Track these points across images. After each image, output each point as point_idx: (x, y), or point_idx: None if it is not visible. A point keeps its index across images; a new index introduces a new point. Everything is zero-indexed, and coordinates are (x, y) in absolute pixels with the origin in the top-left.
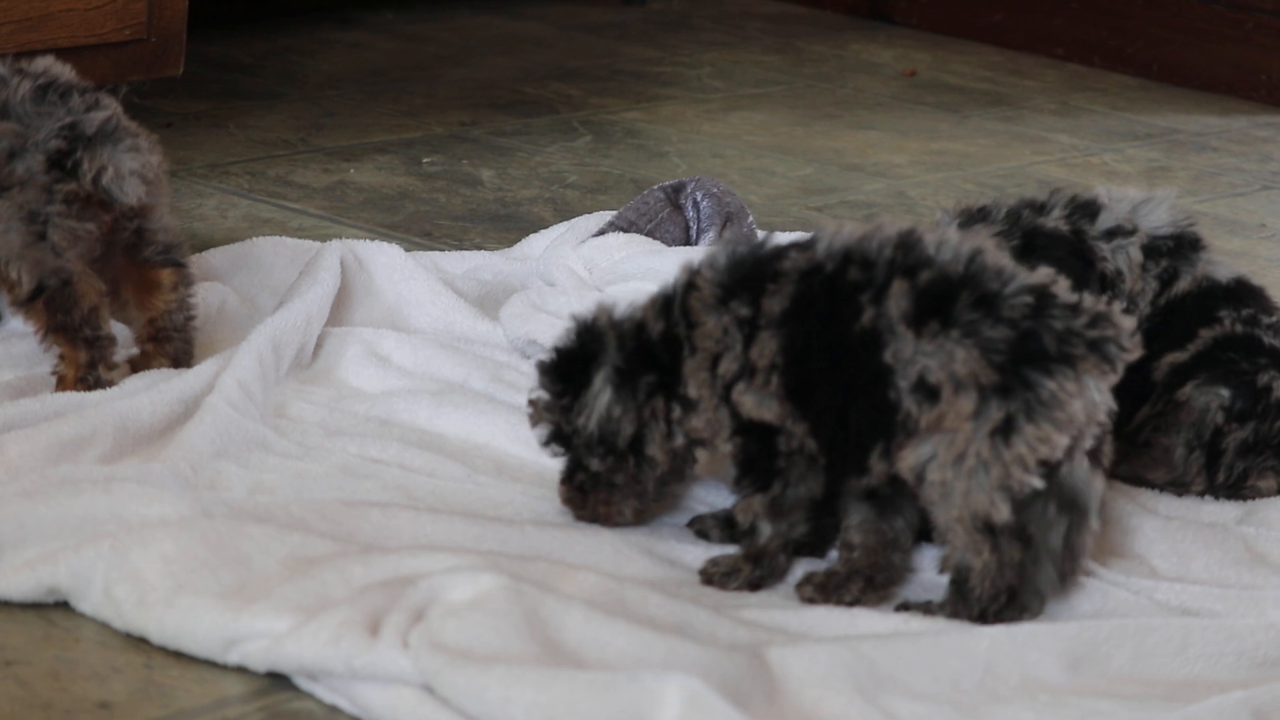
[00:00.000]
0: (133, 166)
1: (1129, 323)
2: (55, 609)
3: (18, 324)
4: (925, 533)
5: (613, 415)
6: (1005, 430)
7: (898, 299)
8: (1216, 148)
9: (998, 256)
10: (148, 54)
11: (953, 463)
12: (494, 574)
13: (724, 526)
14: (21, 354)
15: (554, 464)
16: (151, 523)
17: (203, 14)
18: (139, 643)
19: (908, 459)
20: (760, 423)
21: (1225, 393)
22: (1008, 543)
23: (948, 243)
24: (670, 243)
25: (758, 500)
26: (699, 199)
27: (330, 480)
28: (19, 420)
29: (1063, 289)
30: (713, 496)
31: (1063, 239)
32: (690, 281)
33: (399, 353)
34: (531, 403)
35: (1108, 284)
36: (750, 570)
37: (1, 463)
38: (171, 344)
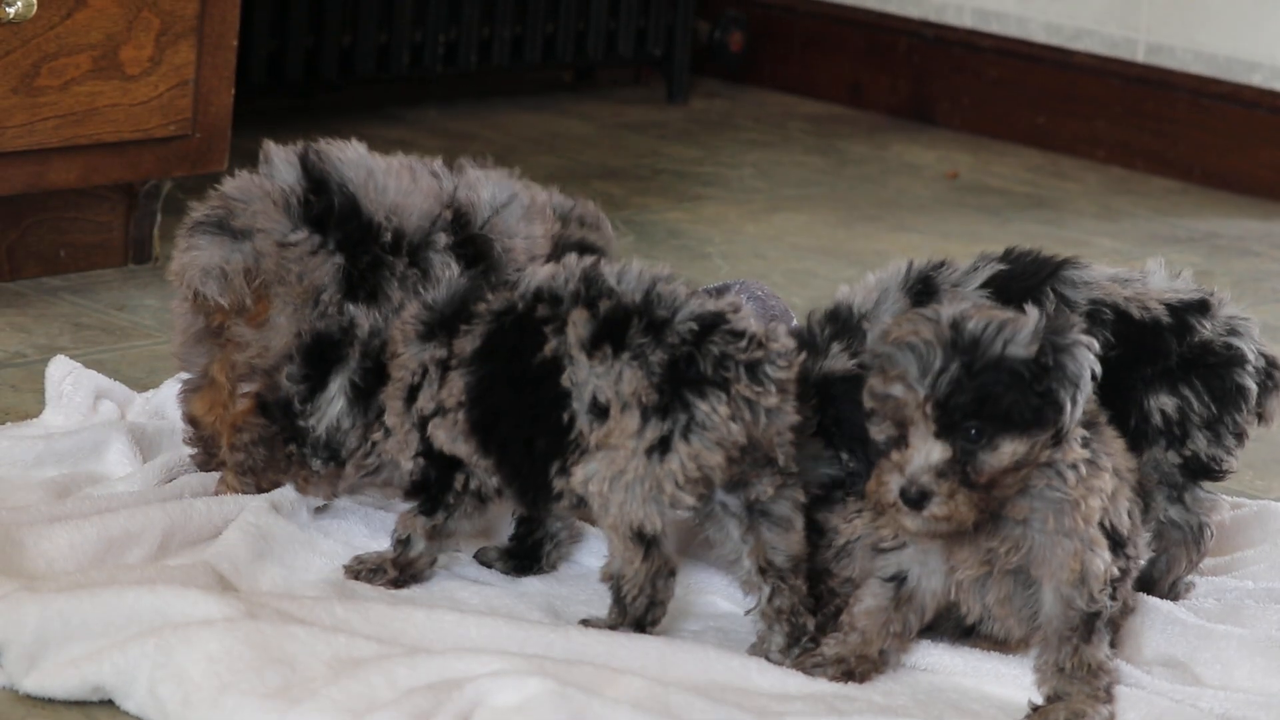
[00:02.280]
0: None
1: (788, 344)
2: (100, 707)
3: (58, 419)
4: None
5: (341, 426)
6: (661, 448)
7: (577, 326)
8: (1259, 252)
9: (676, 288)
10: (193, 150)
11: (611, 477)
12: (540, 678)
13: (505, 557)
14: (66, 450)
15: (598, 565)
16: (196, 622)
17: (247, 110)
18: None
19: (577, 475)
20: (447, 457)
21: None
22: (659, 554)
23: (628, 274)
24: None
25: (421, 521)
26: (744, 302)
27: None
28: (66, 515)
29: (740, 317)
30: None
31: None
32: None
33: None
34: (287, 376)
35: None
36: (396, 575)
37: (48, 557)
38: None
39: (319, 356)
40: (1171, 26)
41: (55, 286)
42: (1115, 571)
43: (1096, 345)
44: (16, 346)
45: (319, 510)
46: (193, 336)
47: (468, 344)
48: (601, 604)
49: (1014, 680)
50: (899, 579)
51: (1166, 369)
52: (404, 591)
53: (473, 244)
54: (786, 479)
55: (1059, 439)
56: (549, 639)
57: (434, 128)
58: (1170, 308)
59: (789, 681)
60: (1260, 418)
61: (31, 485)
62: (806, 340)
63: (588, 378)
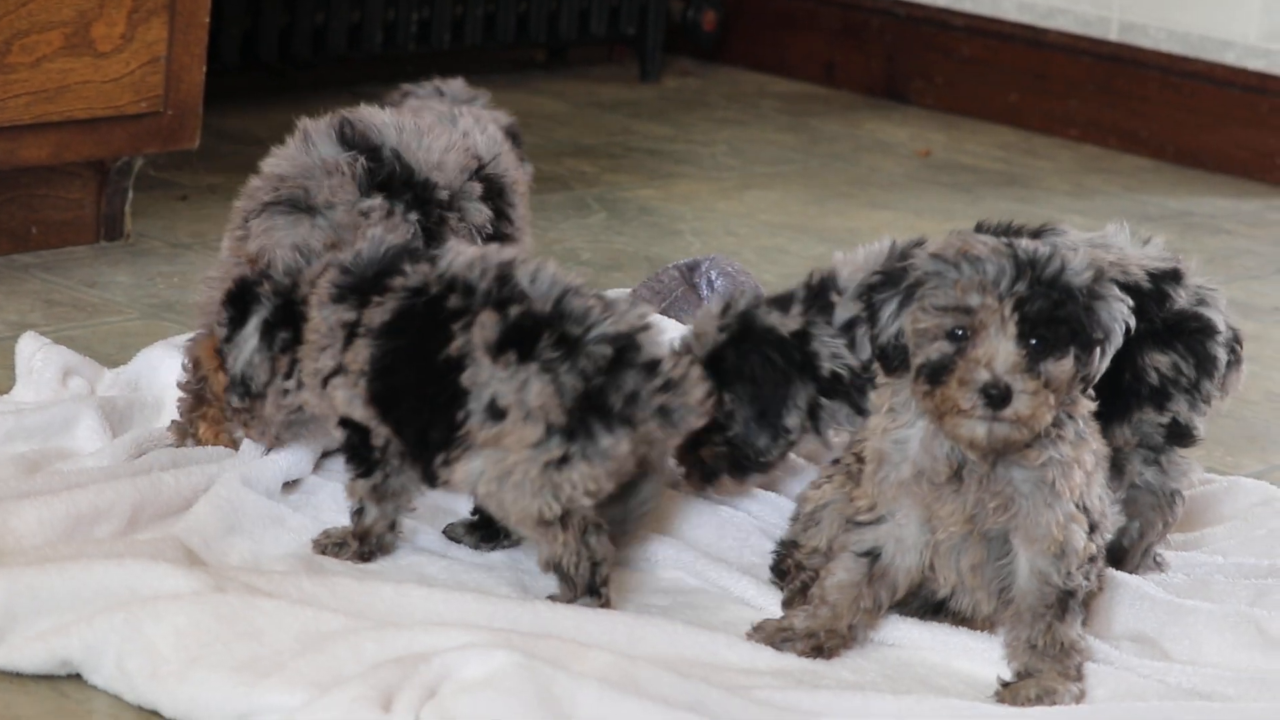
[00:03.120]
0: None
1: (702, 388)
2: (68, 681)
3: (28, 395)
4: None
5: (253, 361)
6: (560, 462)
7: (484, 329)
8: (1230, 230)
9: (586, 299)
10: (164, 127)
11: (498, 478)
12: (507, 651)
13: (471, 531)
14: (34, 426)
15: None
16: (164, 596)
17: (218, 87)
18: (151, 716)
19: (459, 472)
20: (352, 420)
21: None
22: (575, 520)
23: (541, 277)
24: (685, 322)
25: (361, 485)
26: (714, 278)
27: None
28: (35, 491)
29: (651, 339)
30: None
31: None
32: (322, 274)
33: None
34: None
35: None
36: (358, 546)
37: (17, 533)
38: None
39: (241, 299)
40: (1144, 5)
41: (26, 263)
42: (1093, 549)
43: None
44: None
45: (288, 486)
46: None
47: (377, 316)
48: None
49: (982, 655)
50: (873, 554)
51: (1154, 331)
52: (371, 566)
53: (488, 182)
54: None
55: (1086, 381)
56: (516, 613)
57: None
58: (1150, 274)
59: (757, 656)
60: (1222, 390)
61: (1, 460)
62: (783, 299)
63: (489, 380)
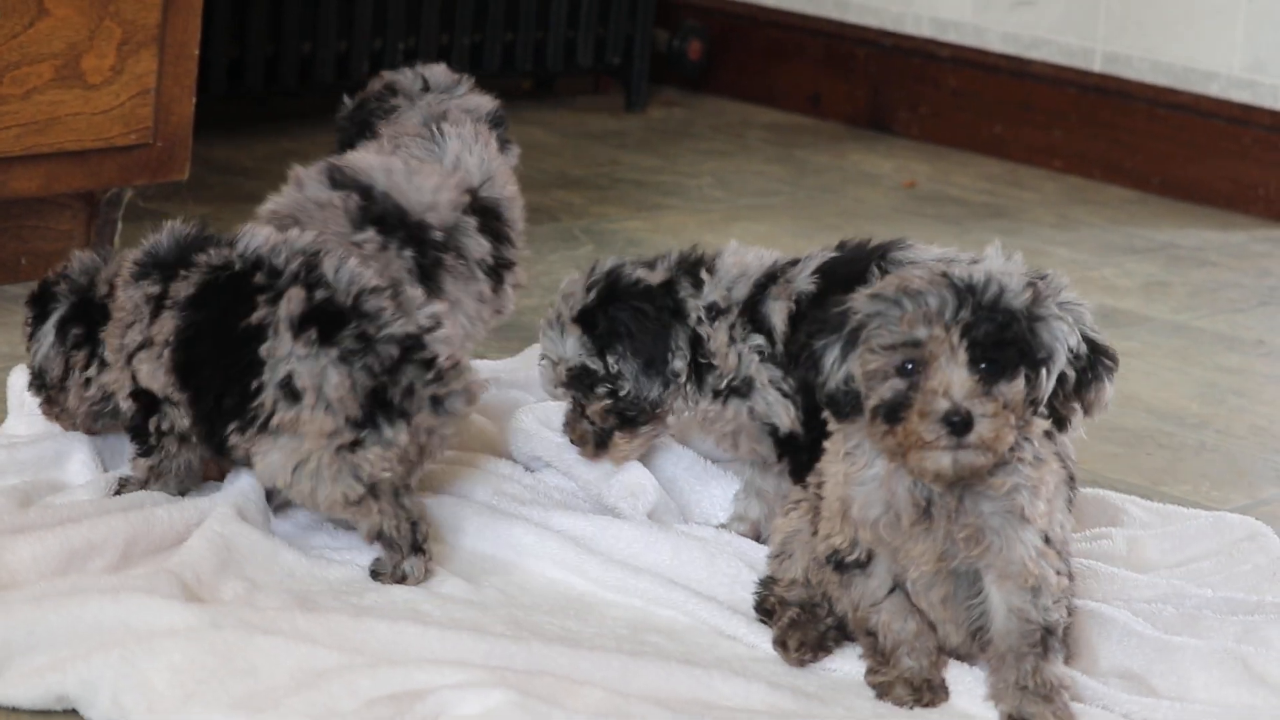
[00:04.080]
0: None
1: (474, 379)
2: (64, 716)
3: (21, 428)
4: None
5: (49, 356)
6: (352, 447)
7: (290, 303)
8: (1215, 262)
9: (381, 299)
10: (154, 158)
11: (294, 468)
12: (503, 689)
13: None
14: (27, 460)
15: (562, 576)
16: (160, 632)
17: (205, 116)
18: None
19: (260, 467)
20: (148, 392)
21: None
22: (382, 489)
23: (344, 272)
24: None
25: (142, 462)
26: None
27: (336, 593)
28: (29, 526)
29: (435, 339)
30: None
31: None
32: (120, 267)
33: None
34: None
35: None
36: (135, 489)
37: (11, 568)
38: None
39: (41, 300)
40: (1129, 36)
41: (17, 294)
42: (1065, 581)
43: (1087, 316)
44: None
45: (279, 512)
46: None
47: (183, 289)
48: (568, 616)
49: (970, 691)
50: (898, 585)
51: None
52: (366, 602)
53: (483, 211)
54: None
55: (1035, 404)
56: (511, 651)
57: None
58: None
59: (751, 693)
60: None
61: None
62: (651, 260)
63: (288, 355)
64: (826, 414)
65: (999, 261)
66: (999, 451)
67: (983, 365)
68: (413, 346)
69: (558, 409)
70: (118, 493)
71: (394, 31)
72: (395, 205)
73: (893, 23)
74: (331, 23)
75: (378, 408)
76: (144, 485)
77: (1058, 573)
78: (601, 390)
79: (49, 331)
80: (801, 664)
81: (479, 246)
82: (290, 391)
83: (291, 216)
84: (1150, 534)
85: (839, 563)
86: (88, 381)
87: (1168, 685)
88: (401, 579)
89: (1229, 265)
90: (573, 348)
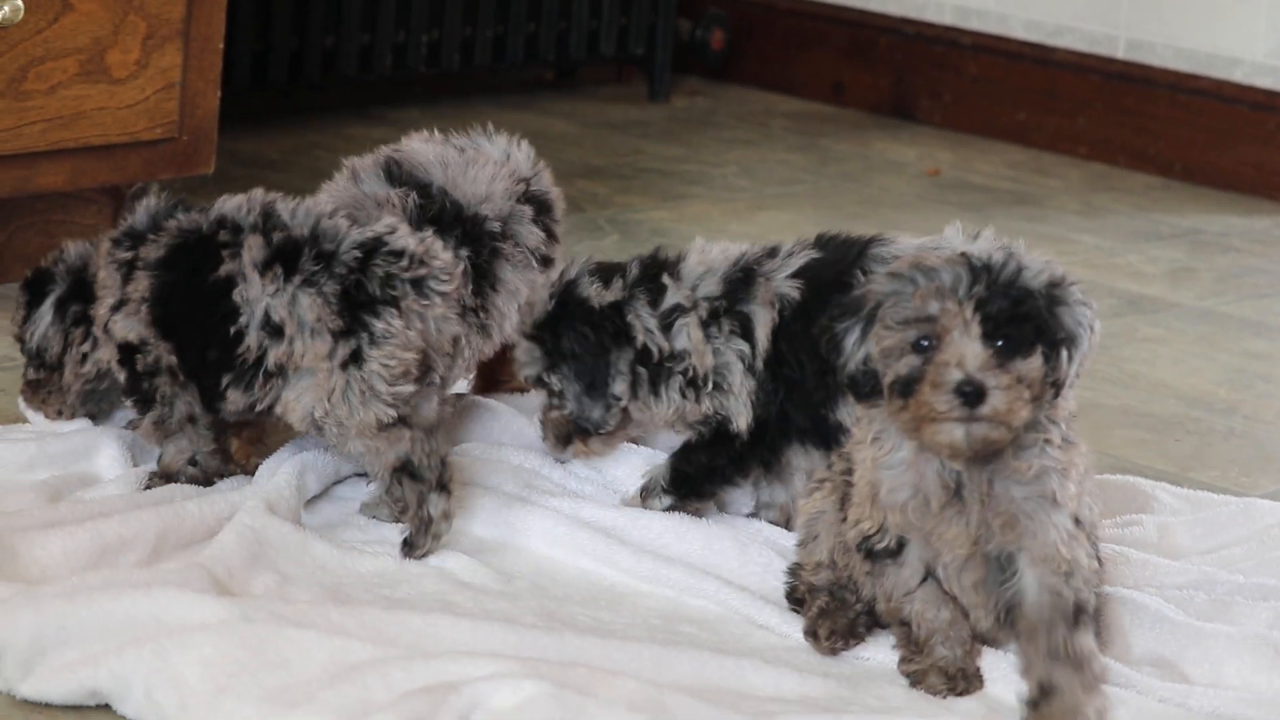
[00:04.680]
0: None
1: (445, 257)
2: (97, 711)
3: (51, 423)
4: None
5: (47, 335)
6: (354, 360)
7: (251, 250)
8: (1239, 248)
9: (339, 223)
10: (179, 152)
11: (325, 398)
12: (536, 680)
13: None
14: (57, 454)
15: (593, 567)
16: (192, 626)
17: (230, 110)
18: None
19: (294, 410)
20: (129, 345)
21: None
22: (413, 424)
23: (299, 212)
24: None
25: (147, 422)
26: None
27: (368, 585)
28: (60, 521)
29: (398, 236)
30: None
31: None
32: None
33: None
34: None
35: None
36: (162, 483)
37: (42, 564)
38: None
39: (37, 283)
40: (1151, 23)
41: None
42: (1095, 564)
43: (1095, 305)
44: (6, 350)
45: (310, 505)
46: None
47: (153, 251)
48: (600, 607)
49: (1001, 678)
50: (931, 572)
51: None
52: (399, 594)
53: (535, 202)
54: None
55: (1057, 386)
56: (544, 642)
57: (417, 128)
58: None
59: (783, 683)
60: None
61: (24, 488)
62: (611, 270)
63: (260, 296)
64: (849, 397)
65: (958, 240)
66: (1013, 426)
67: (999, 341)
68: (375, 247)
69: None
70: (147, 487)
71: (417, 24)
72: (452, 202)
73: (915, 10)
74: (355, 16)
75: (358, 309)
76: (167, 476)
77: (1087, 555)
78: (554, 402)
79: (47, 311)
80: (833, 653)
81: (533, 235)
82: (273, 329)
83: (349, 214)
84: (1180, 520)
85: (870, 550)
86: (84, 358)
87: (1200, 672)
88: (427, 522)
89: (1253, 251)
90: (527, 358)
